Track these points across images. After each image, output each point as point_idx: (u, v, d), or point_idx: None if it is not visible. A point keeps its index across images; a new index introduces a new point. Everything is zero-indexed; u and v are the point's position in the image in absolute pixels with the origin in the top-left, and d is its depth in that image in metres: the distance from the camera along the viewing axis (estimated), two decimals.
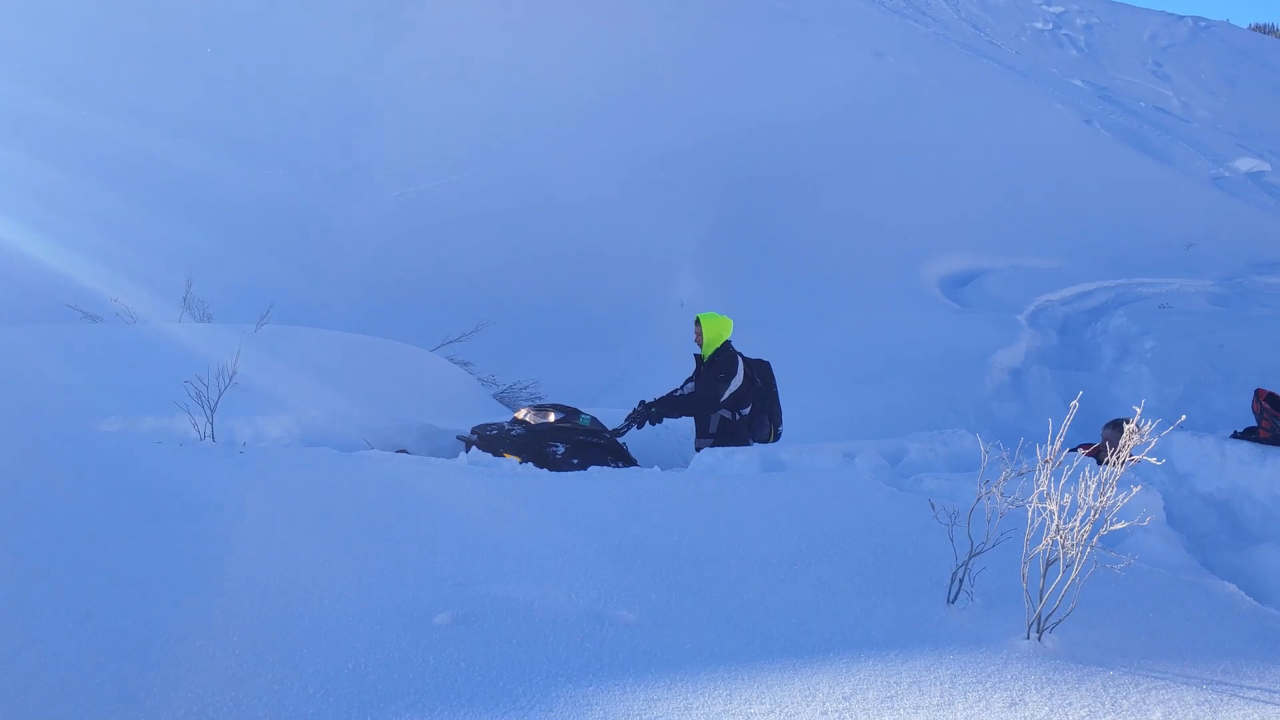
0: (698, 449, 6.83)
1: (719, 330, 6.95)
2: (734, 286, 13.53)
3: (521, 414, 6.97)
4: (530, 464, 5.75)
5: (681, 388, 7.07)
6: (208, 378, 5.25)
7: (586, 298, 13.26)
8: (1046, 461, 3.35)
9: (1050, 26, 37.74)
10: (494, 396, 9.28)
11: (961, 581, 3.59)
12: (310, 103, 16.44)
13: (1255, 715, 2.89)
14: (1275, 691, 3.06)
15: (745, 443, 6.83)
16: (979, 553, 3.52)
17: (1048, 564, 3.29)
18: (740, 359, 6.98)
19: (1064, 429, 3.36)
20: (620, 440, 7.12)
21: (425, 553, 3.76)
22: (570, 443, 6.78)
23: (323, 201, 13.90)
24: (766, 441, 7.12)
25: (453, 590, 3.45)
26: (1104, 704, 2.90)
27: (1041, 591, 3.26)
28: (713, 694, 2.86)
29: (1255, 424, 6.40)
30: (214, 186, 13.64)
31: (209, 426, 5.26)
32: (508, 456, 6.46)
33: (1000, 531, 3.45)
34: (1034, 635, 3.28)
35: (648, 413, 6.95)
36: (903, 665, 3.08)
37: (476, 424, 7.07)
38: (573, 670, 2.96)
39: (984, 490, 3.51)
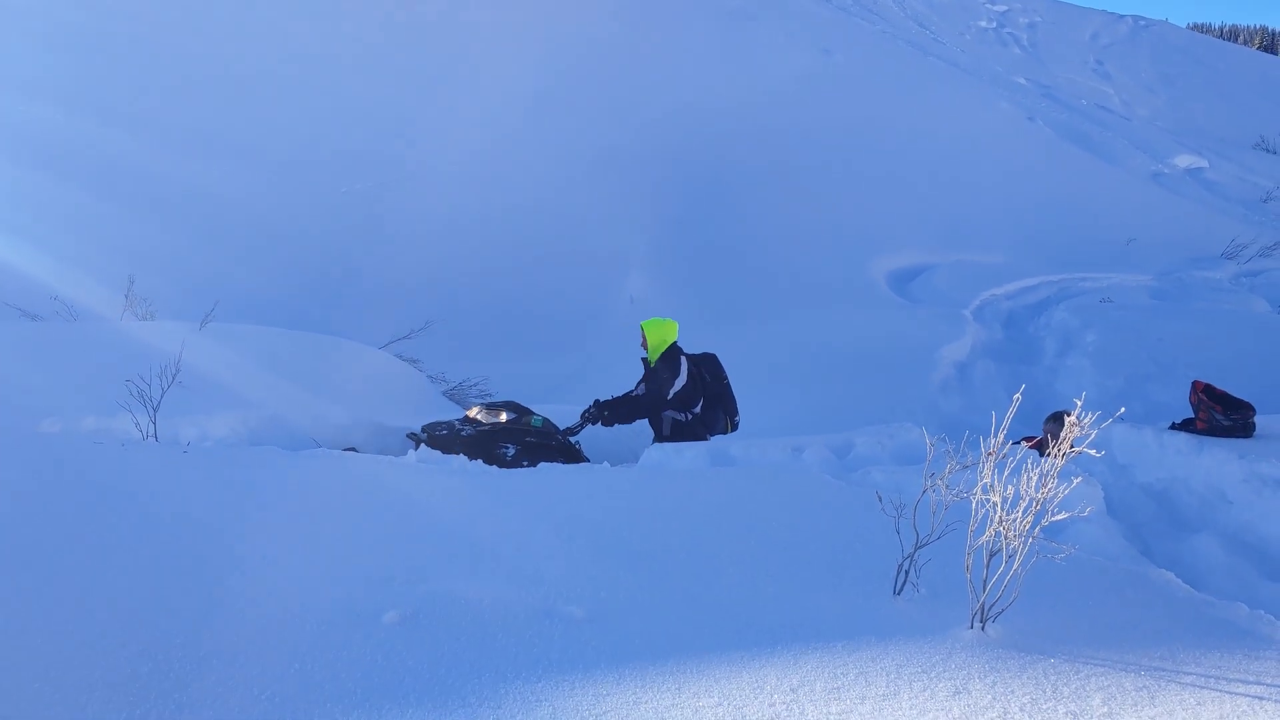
0: None
1: (662, 335, 7.10)
2: (684, 283, 13.57)
3: (473, 413, 6.97)
4: (480, 462, 5.73)
5: (634, 389, 7.11)
6: (150, 376, 5.17)
7: (536, 295, 13.22)
8: (990, 454, 3.40)
9: (994, 25, 38.22)
10: (444, 394, 9.23)
11: (907, 573, 3.64)
12: (258, 97, 16.22)
13: (1191, 699, 2.96)
14: (1211, 676, 3.14)
15: (701, 440, 6.90)
16: (924, 544, 3.57)
17: (991, 555, 3.34)
18: (684, 358, 7.06)
19: (1007, 422, 3.42)
20: (574, 440, 7.12)
21: (373, 551, 3.73)
22: (521, 444, 6.80)
23: (269, 196, 13.72)
24: (725, 433, 7.22)
25: (401, 588, 3.43)
26: (1046, 691, 2.95)
27: (985, 582, 3.31)
28: (661, 688, 2.88)
29: (1193, 415, 6.54)
30: (157, 179, 13.40)
31: (152, 426, 5.18)
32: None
33: (945, 523, 3.50)
34: (977, 625, 3.33)
35: (600, 414, 7.02)
36: (849, 656, 3.11)
37: (427, 422, 7.04)
38: (521, 667, 2.95)
39: (929, 483, 3.56)
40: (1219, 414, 6.35)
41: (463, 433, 6.77)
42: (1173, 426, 6.58)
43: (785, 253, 14.85)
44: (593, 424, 7.09)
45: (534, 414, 7.06)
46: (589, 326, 12.57)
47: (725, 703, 2.81)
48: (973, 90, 26.56)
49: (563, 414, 7.71)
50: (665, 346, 7.08)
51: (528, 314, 12.72)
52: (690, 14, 26.28)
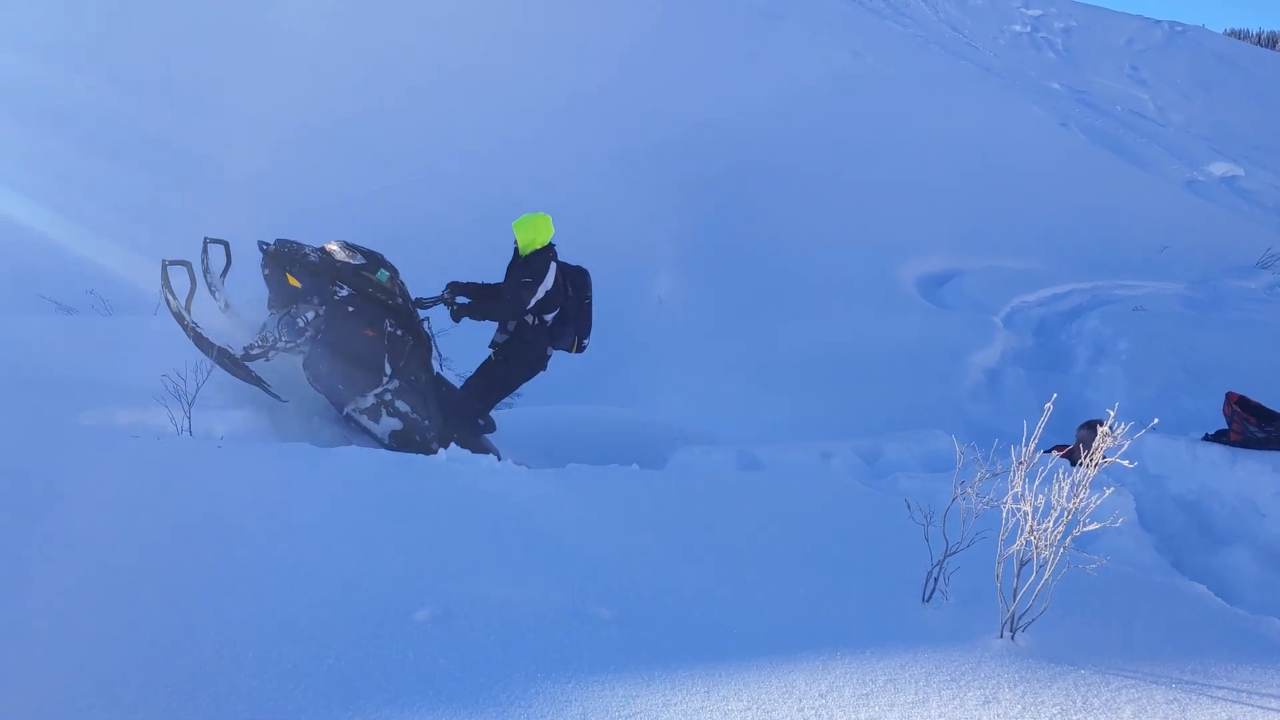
0: (493, 344, 6.78)
1: (533, 234, 6.64)
2: (711, 282, 13.56)
3: (332, 246, 6.48)
4: (509, 462, 5.71)
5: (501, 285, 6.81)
6: (185, 371, 5.23)
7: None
8: (1021, 463, 3.39)
9: (1028, 30, 37.99)
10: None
11: (936, 581, 3.63)
12: (290, 95, 16.39)
13: (1223, 714, 2.94)
14: (1243, 691, 3.12)
15: (542, 349, 6.78)
16: (954, 552, 3.56)
17: (1021, 564, 3.33)
18: (555, 264, 6.72)
19: (1038, 430, 3.40)
20: (422, 314, 6.78)
21: (404, 549, 3.76)
22: (358, 291, 6.40)
23: (304, 191, 13.83)
24: (570, 351, 7.06)
25: (431, 586, 3.46)
26: (1075, 702, 2.94)
27: (1015, 591, 3.30)
28: (690, 690, 2.89)
29: (1226, 427, 6.49)
30: (203, 162, 13.65)
31: (187, 420, 5.24)
32: (290, 280, 6.24)
33: (975, 531, 3.49)
34: (1007, 634, 3.32)
35: (452, 301, 6.66)
36: (878, 663, 3.11)
37: (285, 238, 6.48)
38: (551, 667, 2.97)
39: (959, 490, 3.55)
40: (1253, 426, 6.30)
41: (308, 257, 6.29)
42: (1206, 438, 6.53)
43: (814, 254, 14.80)
44: (446, 308, 6.67)
45: (386, 269, 6.50)
46: (615, 325, 12.57)
47: (754, 706, 2.82)
48: (1005, 95, 26.41)
49: (582, 413, 7.76)
50: (535, 246, 6.64)
51: None
52: (719, 14, 26.26)
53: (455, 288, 6.72)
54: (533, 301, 6.60)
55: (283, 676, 2.83)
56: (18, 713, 2.61)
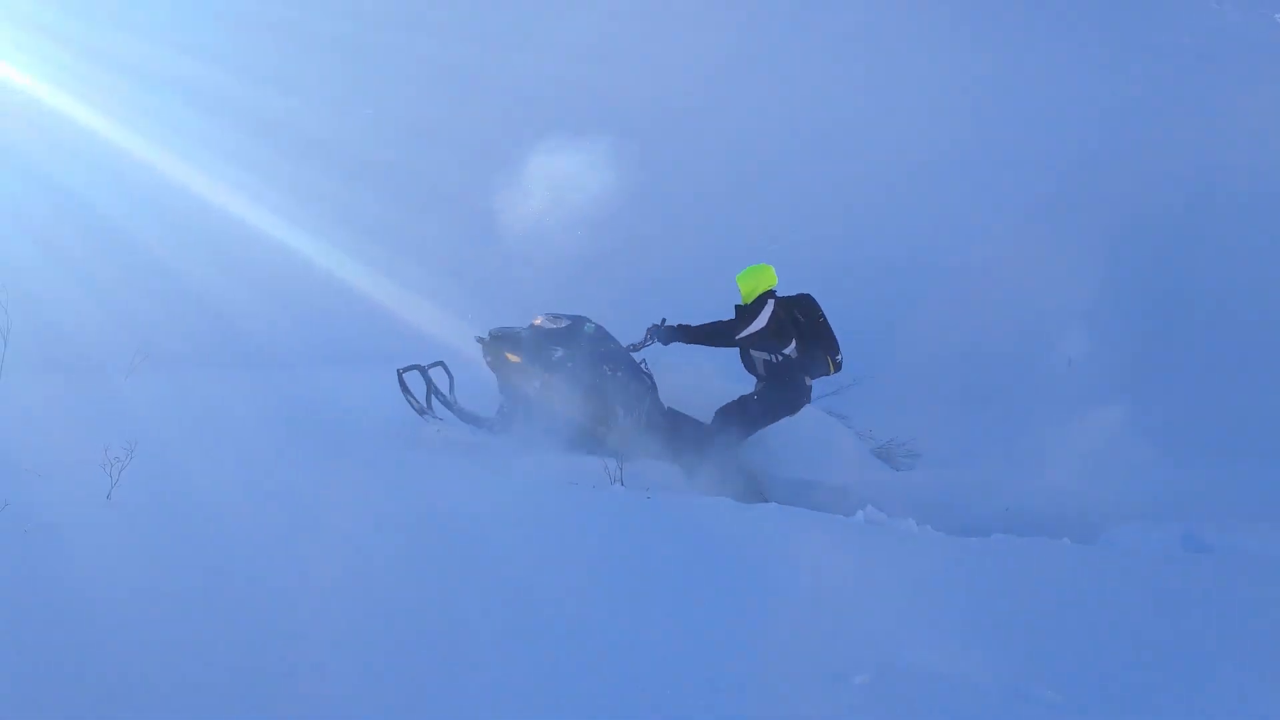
0: (755, 391, 7.43)
1: (754, 284, 7.37)
2: (1135, 342, 12.49)
3: (538, 320, 7.26)
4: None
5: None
6: None
7: (961, 351, 12.83)
8: None
9: None
10: (872, 451, 9.20)
11: None
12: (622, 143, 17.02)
13: None
14: None
15: (800, 381, 7.37)
16: None
17: None
18: (771, 301, 7.30)
19: None
20: (637, 357, 7.43)
21: (838, 612, 3.78)
22: (572, 347, 7.15)
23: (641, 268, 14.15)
24: (829, 373, 7.58)
25: (864, 651, 3.44)
26: None
27: None
28: None
29: None
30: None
31: (619, 471, 5.63)
32: (510, 358, 7.12)
33: None
34: None
35: (666, 329, 7.29)
36: None
37: (497, 327, 7.34)
38: None
39: None
40: None
41: (520, 335, 7.10)
42: None
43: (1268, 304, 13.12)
44: (659, 341, 7.28)
45: (589, 322, 7.26)
46: (1016, 388, 11.98)
47: None
48: None
49: (983, 478, 7.48)
50: (757, 294, 7.32)
51: (950, 371, 12.37)
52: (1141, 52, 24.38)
53: (664, 321, 7.39)
54: (743, 334, 7.22)
55: None
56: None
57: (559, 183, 11.05)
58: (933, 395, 11.43)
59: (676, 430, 7.39)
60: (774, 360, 7.31)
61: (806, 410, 9.09)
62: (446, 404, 7.39)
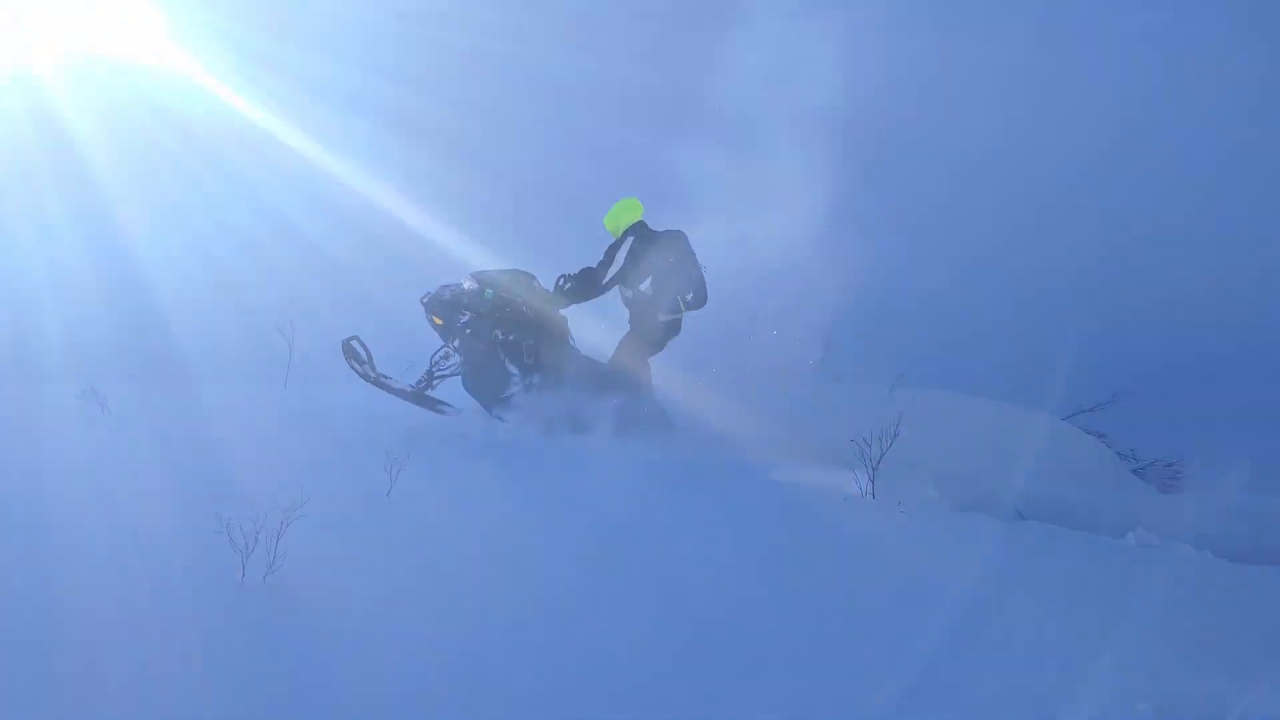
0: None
1: (615, 223, 7.58)
2: None
3: (467, 284, 7.66)
4: None
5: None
6: (871, 436, 5.59)
7: (1228, 368, 12.00)
8: None
9: None
10: (1131, 471, 8.71)
11: None
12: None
13: None
14: None
15: (652, 317, 7.40)
16: None
17: None
18: (630, 239, 7.42)
19: None
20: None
21: (1110, 636, 3.65)
22: (473, 314, 7.57)
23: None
24: (678, 313, 7.49)
25: (1148, 681, 3.30)
26: None
27: None
28: None
29: None
30: None
31: (870, 484, 5.60)
32: (436, 320, 7.66)
33: None
34: None
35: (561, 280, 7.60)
36: None
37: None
38: None
39: None
40: None
41: (443, 297, 7.62)
42: None
43: None
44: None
45: (490, 289, 7.56)
46: None
47: None
48: None
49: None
50: (621, 232, 7.51)
51: (1219, 389, 11.58)
52: None
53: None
54: (608, 278, 7.44)
55: None
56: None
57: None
58: (1201, 412, 10.73)
59: (590, 377, 7.64)
60: (629, 296, 7.56)
61: (1060, 427, 8.70)
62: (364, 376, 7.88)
